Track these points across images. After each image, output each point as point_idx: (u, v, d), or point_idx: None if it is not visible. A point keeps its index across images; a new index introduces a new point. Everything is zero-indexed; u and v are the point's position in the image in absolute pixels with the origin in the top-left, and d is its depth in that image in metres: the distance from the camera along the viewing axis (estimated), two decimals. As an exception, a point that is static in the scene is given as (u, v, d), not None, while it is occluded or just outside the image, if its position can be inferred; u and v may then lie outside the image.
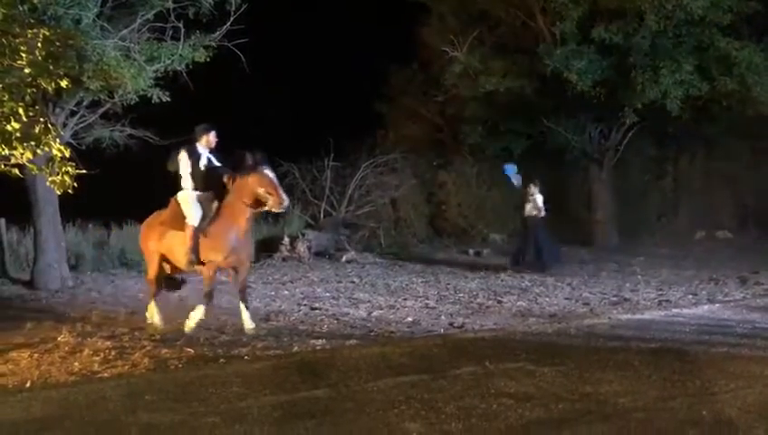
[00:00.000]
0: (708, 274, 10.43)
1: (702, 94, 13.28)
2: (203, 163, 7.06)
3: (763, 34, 13.76)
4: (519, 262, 11.38)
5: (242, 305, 6.95)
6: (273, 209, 6.95)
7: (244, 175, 6.81)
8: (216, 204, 7.00)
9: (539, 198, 11.32)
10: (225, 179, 7.00)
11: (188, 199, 6.98)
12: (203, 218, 6.87)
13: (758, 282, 9.52)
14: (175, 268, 7.29)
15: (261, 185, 6.72)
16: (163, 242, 7.14)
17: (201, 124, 7.19)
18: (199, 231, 6.81)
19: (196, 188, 6.99)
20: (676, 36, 13.04)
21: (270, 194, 6.70)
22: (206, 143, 7.11)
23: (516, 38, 15.46)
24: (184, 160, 6.98)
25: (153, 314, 7.35)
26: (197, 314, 6.84)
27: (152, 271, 7.40)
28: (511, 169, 12.15)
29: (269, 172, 6.82)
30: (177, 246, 6.98)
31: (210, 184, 7.06)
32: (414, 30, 17.06)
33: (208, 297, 6.91)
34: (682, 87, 12.99)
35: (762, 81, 12.90)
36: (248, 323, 6.89)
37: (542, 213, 11.31)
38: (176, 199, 7.11)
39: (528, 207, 11.42)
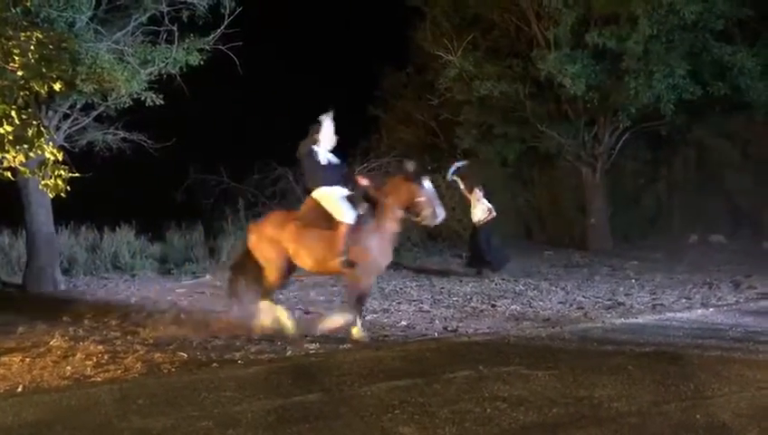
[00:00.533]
0: (702, 278, 10.45)
1: (695, 99, 13.33)
2: (325, 160, 6.92)
3: (756, 39, 13.83)
4: (493, 266, 11.34)
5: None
6: (425, 222, 6.92)
7: (402, 180, 6.76)
8: (365, 204, 6.79)
9: (485, 202, 11.44)
10: (361, 181, 6.91)
11: (333, 196, 6.76)
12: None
13: (751, 286, 9.55)
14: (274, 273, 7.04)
15: (421, 195, 6.67)
16: (297, 241, 6.80)
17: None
18: (354, 230, 6.60)
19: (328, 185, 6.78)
20: (669, 41, 13.09)
21: (428, 206, 6.68)
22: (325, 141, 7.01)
23: (510, 42, 15.50)
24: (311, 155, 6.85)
25: (280, 316, 7.01)
26: (356, 323, 6.70)
27: (278, 272, 7.00)
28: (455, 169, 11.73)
29: (430, 184, 6.78)
30: (317, 245, 6.72)
31: (336, 182, 6.88)
32: (408, 34, 17.08)
33: (361, 301, 6.81)
34: (675, 91, 13.04)
35: (754, 85, 12.97)
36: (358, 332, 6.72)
37: (494, 213, 11.41)
38: (312, 198, 6.86)
39: (476, 212, 11.48)
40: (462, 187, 11.77)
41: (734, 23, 13.50)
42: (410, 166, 6.84)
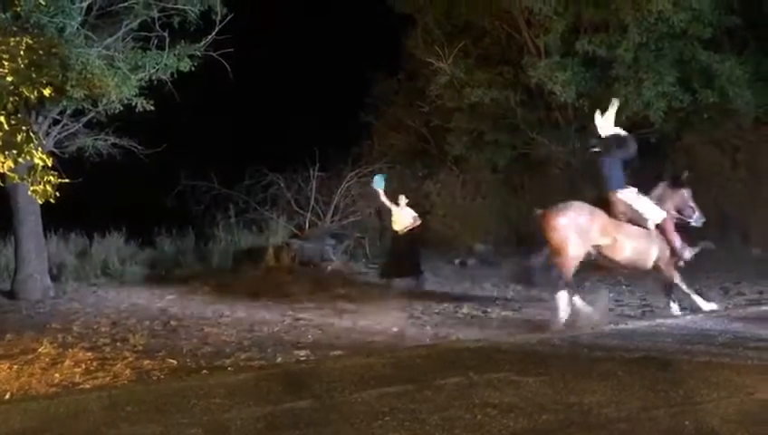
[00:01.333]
0: (691, 284, 10.47)
1: (684, 106, 13.43)
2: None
3: (744, 48, 13.96)
4: (414, 277, 11.00)
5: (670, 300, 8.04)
6: (694, 223, 8.33)
7: (674, 187, 8.14)
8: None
9: (410, 210, 11.14)
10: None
11: (639, 198, 7.75)
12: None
13: (740, 292, 9.60)
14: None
15: (692, 200, 8.20)
16: (618, 234, 7.57)
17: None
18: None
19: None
20: (658, 49, 13.19)
21: (697, 210, 8.24)
22: None
23: (501, 50, 15.57)
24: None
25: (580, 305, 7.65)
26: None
27: (577, 261, 7.68)
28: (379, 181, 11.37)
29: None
30: (639, 240, 7.67)
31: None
32: (400, 41, 17.12)
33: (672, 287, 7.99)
34: (664, 99, 13.13)
35: (742, 93, 13.07)
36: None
37: (419, 221, 11.21)
38: (617, 197, 7.62)
39: (400, 220, 11.10)
40: (383, 196, 11.32)
41: (722, 31, 13.62)
42: (686, 176, 8.14)
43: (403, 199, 11.24)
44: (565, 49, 13.72)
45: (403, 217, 11.17)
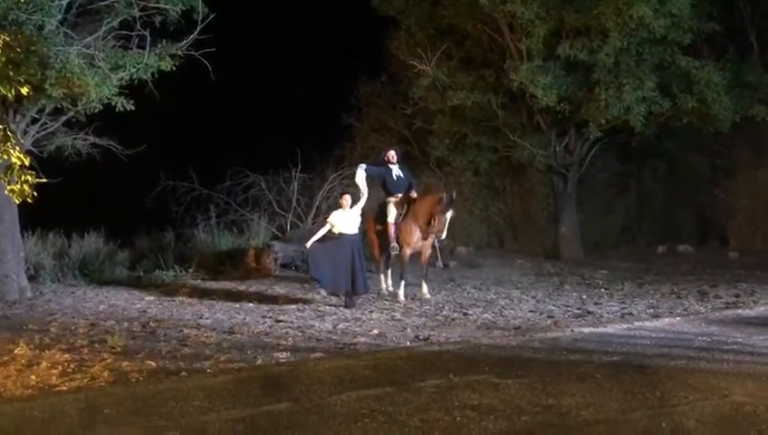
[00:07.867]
0: (669, 287, 10.60)
1: (664, 111, 13.59)
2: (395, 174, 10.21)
3: (722, 54, 14.15)
4: None
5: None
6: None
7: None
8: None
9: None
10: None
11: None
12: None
13: (717, 295, 9.72)
14: None
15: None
16: None
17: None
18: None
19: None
20: (638, 54, 13.34)
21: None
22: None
23: (483, 53, 15.66)
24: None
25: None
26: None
27: None
28: None
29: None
30: None
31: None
32: (382, 43, 17.15)
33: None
34: (644, 104, 13.27)
35: (720, 99, 13.25)
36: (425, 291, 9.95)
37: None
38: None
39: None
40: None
41: (701, 37, 13.81)
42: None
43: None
44: (547, 53, 13.82)
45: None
